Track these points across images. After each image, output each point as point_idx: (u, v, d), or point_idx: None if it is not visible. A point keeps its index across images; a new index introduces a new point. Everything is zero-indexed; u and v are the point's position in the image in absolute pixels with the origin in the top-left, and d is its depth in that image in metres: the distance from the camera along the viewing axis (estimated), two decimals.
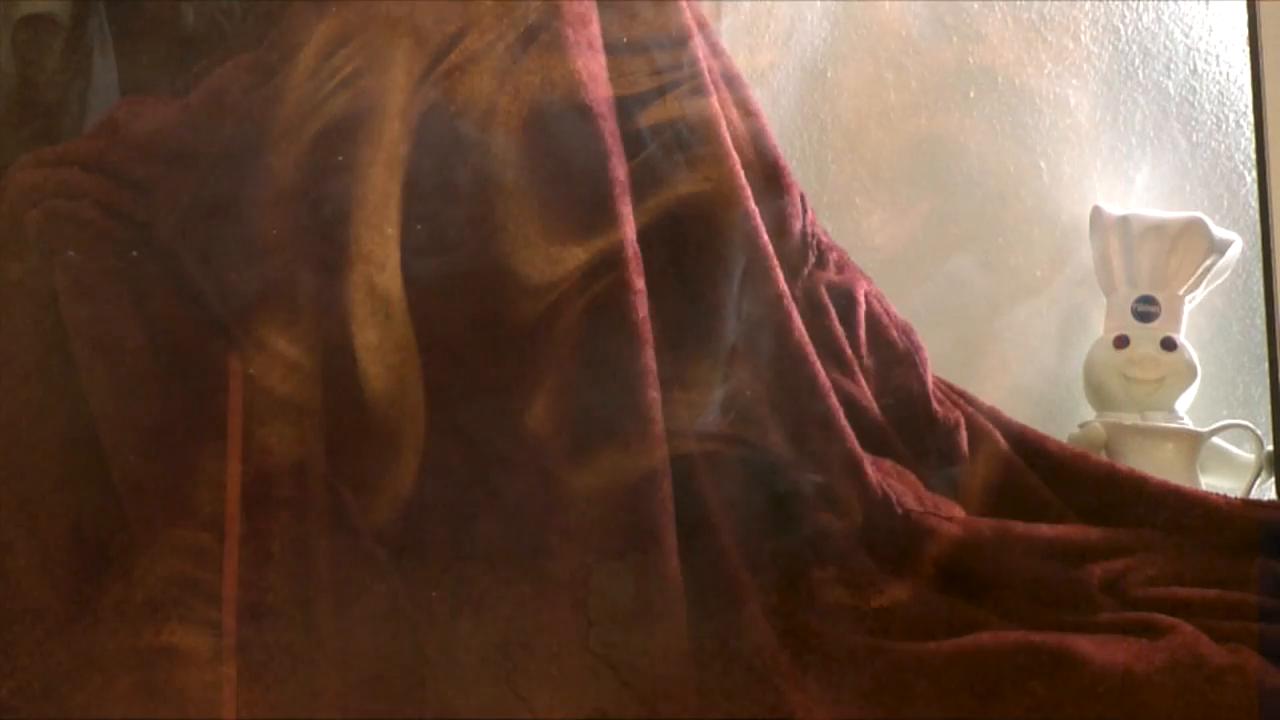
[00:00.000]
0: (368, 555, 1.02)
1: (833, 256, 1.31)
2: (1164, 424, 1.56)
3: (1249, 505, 1.28)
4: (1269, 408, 1.55)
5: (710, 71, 1.22)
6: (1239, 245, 1.62)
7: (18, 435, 1.03)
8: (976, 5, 1.65)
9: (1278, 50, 1.57)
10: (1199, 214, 1.62)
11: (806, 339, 1.18)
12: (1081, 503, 1.26)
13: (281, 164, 1.10)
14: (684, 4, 1.23)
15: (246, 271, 1.08)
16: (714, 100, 1.20)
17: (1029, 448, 1.29)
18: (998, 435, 1.29)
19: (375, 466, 1.04)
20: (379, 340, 1.05)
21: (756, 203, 1.19)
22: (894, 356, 1.30)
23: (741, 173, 1.19)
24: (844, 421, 1.17)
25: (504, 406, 1.06)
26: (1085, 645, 1.06)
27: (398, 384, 1.05)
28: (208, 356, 1.06)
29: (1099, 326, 1.64)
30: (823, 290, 1.27)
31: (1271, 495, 1.55)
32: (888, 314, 1.32)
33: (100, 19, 1.29)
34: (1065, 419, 1.61)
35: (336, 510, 1.03)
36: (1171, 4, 1.73)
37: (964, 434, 1.28)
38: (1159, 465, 1.46)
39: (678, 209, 1.16)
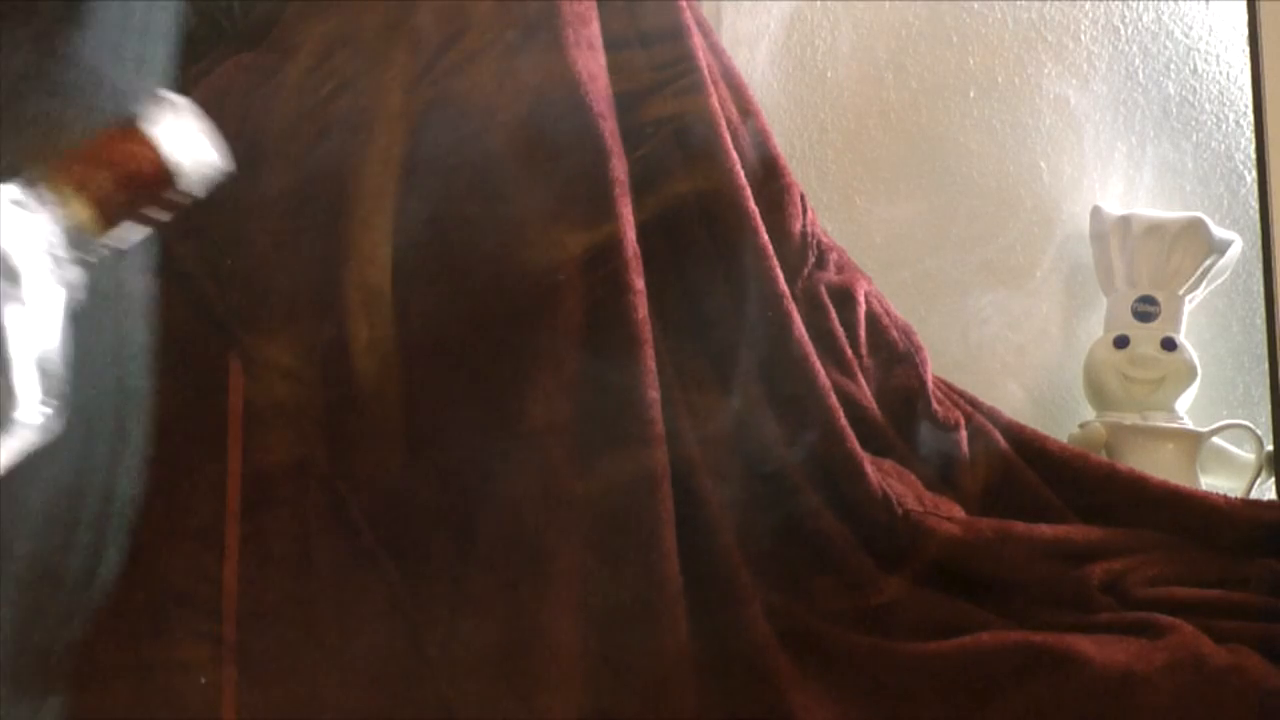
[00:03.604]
0: (368, 555, 1.02)
1: (833, 256, 1.31)
2: (1164, 424, 1.56)
3: (1249, 505, 1.28)
4: (1269, 408, 1.55)
5: (710, 71, 1.22)
6: (1239, 245, 1.62)
7: None
8: (976, 5, 1.65)
9: (1278, 50, 1.57)
10: (1199, 214, 1.62)
11: (806, 339, 1.18)
12: (1081, 503, 1.26)
13: (280, 164, 1.10)
14: (683, 4, 1.23)
15: (245, 271, 1.08)
16: (714, 100, 1.20)
17: (1029, 448, 1.29)
18: (998, 435, 1.28)
19: (367, 461, 1.04)
20: (370, 337, 1.05)
21: (756, 202, 1.19)
22: (894, 356, 1.29)
23: (741, 172, 1.19)
24: (844, 421, 1.17)
25: (504, 406, 1.06)
26: (1085, 645, 1.06)
27: (382, 380, 1.05)
28: (207, 356, 1.06)
29: (1099, 326, 1.64)
30: (823, 290, 1.27)
31: (1271, 495, 1.55)
32: (888, 314, 1.32)
33: None
34: (1065, 419, 1.61)
35: (336, 510, 1.03)
36: (1171, 4, 1.73)
37: (964, 434, 1.28)
38: (1159, 465, 1.46)
39: (677, 209, 1.16)
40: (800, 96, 1.58)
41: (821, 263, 1.29)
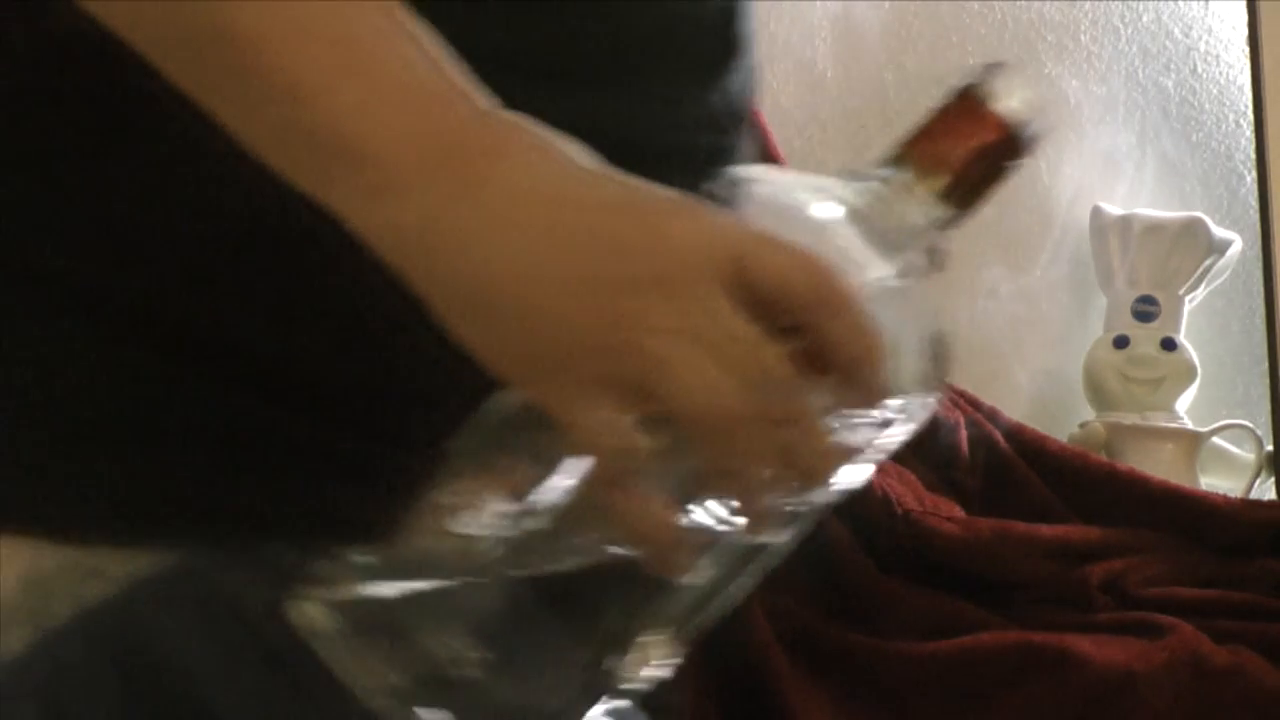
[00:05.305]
0: None
1: None
2: (1164, 424, 1.56)
3: (1249, 505, 1.28)
4: (1269, 408, 1.55)
5: None
6: (1239, 245, 1.62)
7: None
8: (976, 5, 1.65)
9: (1278, 50, 1.57)
10: (1199, 214, 1.62)
11: None
12: (1081, 503, 1.26)
13: None
14: None
15: None
16: None
17: (1029, 448, 1.29)
18: (998, 435, 1.28)
19: None
20: None
21: None
22: None
23: None
24: None
25: None
26: (1085, 645, 1.06)
27: None
28: None
29: (1099, 326, 1.63)
30: None
31: (1271, 495, 1.55)
32: None
33: None
34: (1065, 419, 1.61)
35: None
36: (1171, 4, 1.73)
37: (964, 434, 1.28)
38: (1159, 465, 1.46)
39: None
40: (800, 96, 1.58)
41: None
